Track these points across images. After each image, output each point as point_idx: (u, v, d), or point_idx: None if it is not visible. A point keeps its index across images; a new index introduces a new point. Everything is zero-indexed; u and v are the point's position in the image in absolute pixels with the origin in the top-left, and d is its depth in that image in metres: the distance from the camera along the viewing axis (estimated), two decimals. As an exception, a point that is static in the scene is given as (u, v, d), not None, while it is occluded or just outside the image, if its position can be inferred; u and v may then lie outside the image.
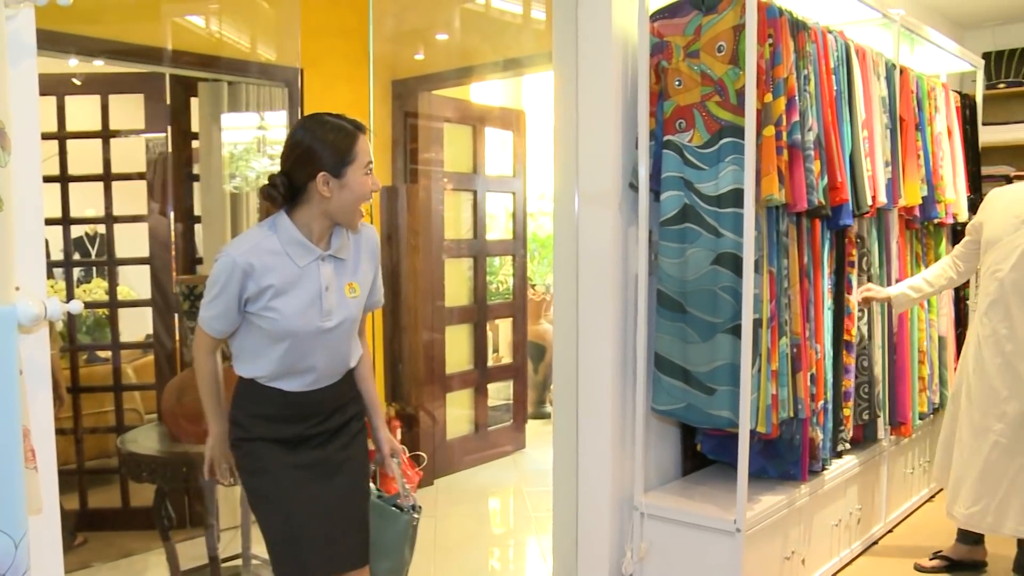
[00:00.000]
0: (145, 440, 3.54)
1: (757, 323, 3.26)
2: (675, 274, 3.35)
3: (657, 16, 3.43)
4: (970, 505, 3.55)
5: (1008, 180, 6.18)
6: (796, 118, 3.31)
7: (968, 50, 5.39)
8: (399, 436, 5.14)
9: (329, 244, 2.43)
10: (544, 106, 6.70)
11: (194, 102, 4.56)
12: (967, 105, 5.18)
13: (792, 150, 3.31)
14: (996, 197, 3.66)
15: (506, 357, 6.54)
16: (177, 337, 4.46)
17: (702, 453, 3.81)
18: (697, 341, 3.32)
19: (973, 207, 4.99)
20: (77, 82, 4.42)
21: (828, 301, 3.80)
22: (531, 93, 7.07)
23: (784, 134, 3.26)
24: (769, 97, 3.22)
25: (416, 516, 2.72)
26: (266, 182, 2.38)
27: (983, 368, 3.55)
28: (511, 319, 6.23)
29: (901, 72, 4.29)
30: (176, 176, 4.51)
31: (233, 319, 2.39)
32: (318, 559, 2.45)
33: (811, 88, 3.46)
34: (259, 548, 3.94)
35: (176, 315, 4.40)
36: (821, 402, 3.73)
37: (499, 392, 6.43)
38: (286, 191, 2.35)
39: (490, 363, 6.18)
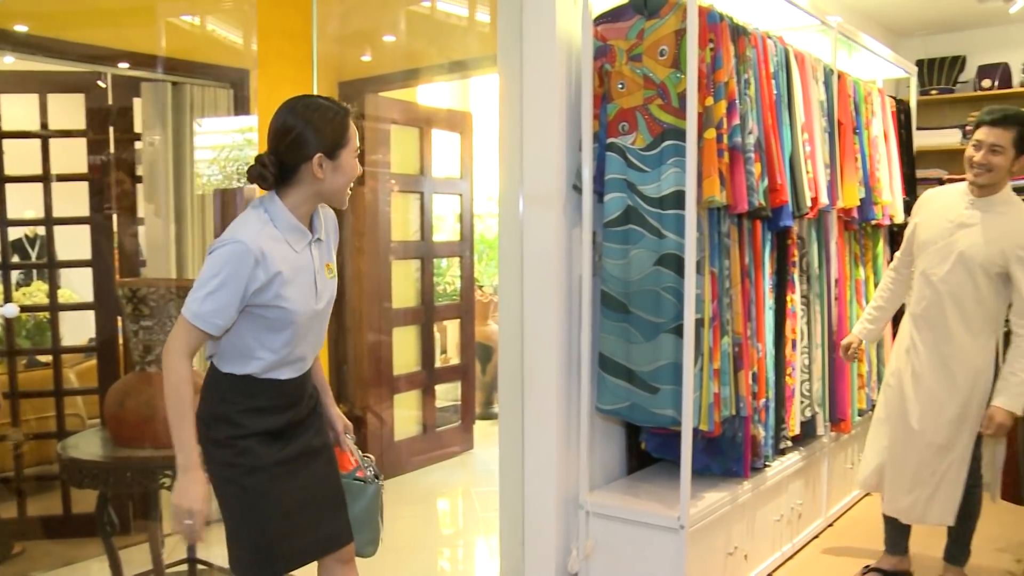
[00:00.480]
0: (87, 445, 3.47)
1: (699, 323, 3.29)
2: (619, 275, 3.37)
3: (600, 20, 3.45)
4: (903, 498, 3.60)
5: (941, 182, 6.33)
6: (737, 121, 3.35)
7: (902, 57, 5.51)
8: (347, 438, 5.10)
9: (311, 226, 2.39)
10: (491, 108, 6.69)
11: (137, 103, 4.48)
12: (902, 110, 5.29)
13: (733, 153, 3.35)
14: (929, 200, 3.64)
15: (454, 358, 6.54)
16: (120, 341, 4.39)
17: (647, 452, 3.84)
18: (641, 341, 3.34)
19: (908, 209, 5.09)
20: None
21: (769, 301, 3.85)
22: (478, 95, 7.07)
23: (725, 137, 3.30)
24: (710, 101, 3.26)
25: (381, 484, 2.71)
26: (253, 163, 2.30)
27: (918, 371, 3.53)
28: (459, 320, 6.22)
29: (839, 77, 4.36)
30: (118, 177, 4.43)
31: (234, 313, 2.23)
32: (313, 546, 2.45)
33: (751, 92, 3.51)
34: (206, 552, 3.89)
35: (120, 318, 4.33)
36: (763, 400, 3.78)
37: (447, 393, 6.42)
38: (277, 172, 2.28)
39: (438, 364, 6.16)
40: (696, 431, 3.37)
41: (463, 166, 6.02)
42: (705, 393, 3.35)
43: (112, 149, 4.37)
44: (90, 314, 4.44)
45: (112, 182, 4.37)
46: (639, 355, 3.35)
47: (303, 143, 2.24)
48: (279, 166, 2.27)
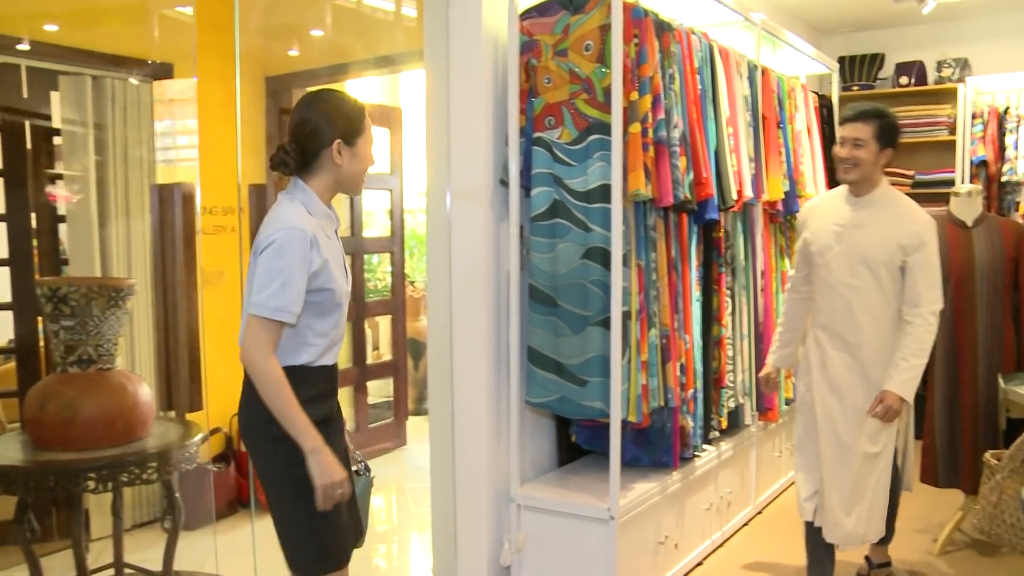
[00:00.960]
0: (6, 450, 3.35)
1: (626, 315, 3.31)
2: (546, 268, 3.37)
3: (526, 15, 3.44)
4: (845, 520, 3.36)
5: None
6: (662, 115, 3.37)
7: (824, 54, 5.62)
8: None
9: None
10: (421, 103, 6.66)
11: (55, 96, 4.35)
12: (824, 105, 5.39)
13: (658, 146, 3.37)
14: (811, 211, 3.51)
15: (386, 354, 6.49)
16: (41, 341, 4.25)
17: (577, 444, 3.85)
18: (569, 334, 3.35)
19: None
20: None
21: (696, 293, 3.89)
22: (408, 90, 7.02)
23: (650, 131, 3.32)
24: (635, 95, 3.27)
25: (372, 476, 2.69)
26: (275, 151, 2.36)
27: (837, 383, 3.35)
28: (390, 316, 6.18)
29: (763, 73, 4.43)
30: (36, 173, 4.29)
31: (304, 299, 2.27)
32: (349, 537, 2.48)
33: (676, 87, 3.53)
34: (133, 557, 3.80)
35: (39, 318, 4.19)
36: (691, 391, 3.82)
37: (380, 389, 6.37)
38: (298, 158, 2.35)
39: (370, 361, 6.11)
40: (625, 423, 3.39)
41: (393, 162, 5.97)
42: (633, 385, 3.37)
43: (29, 144, 4.24)
44: (8, 314, 4.30)
45: (29, 178, 4.23)
46: (567, 348, 3.36)
47: (323, 130, 2.33)
48: (300, 153, 2.35)
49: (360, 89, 6.42)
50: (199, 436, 3.46)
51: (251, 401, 2.33)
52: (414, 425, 6.41)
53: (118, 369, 3.39)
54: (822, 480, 3.39)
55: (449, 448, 3.57)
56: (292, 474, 2.30)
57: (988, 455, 3.65)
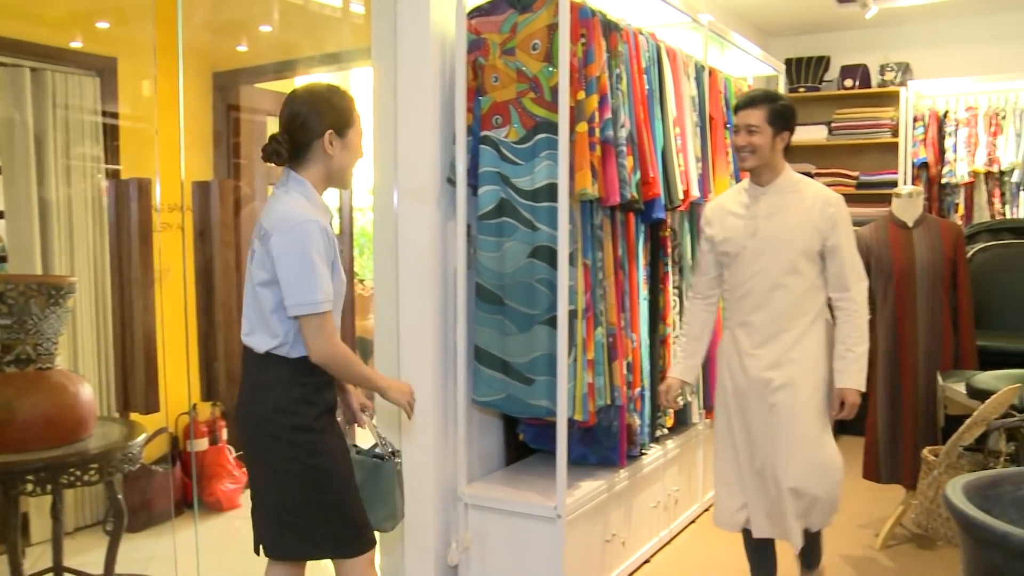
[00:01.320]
0: (-62, 452, 3.26)
1: (572, 314, 3.31)
2: (493, 267, 3.36)
3: (474, 13, 3.43)
4: (793, 520, 3.21)
5: (810, 176, 6.56)
6: (608, 115, 3.38)
7: (771, 56, 5.68)
8: (224, 436, 4.96)
9: None
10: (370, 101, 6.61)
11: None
12: (770, 106, 5.42)
13: (605, 146, 3.38)
14: (714, 210, 3.34)
15: (337, 353, 6.41)
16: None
17: (525, 443, 3.85)
18: (515, 333, 3.34)
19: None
20: None
21: (644, 292, 3.90)
22: (359, 88, 6.96)
23: (597, 130, 3.33)
24: (582, 95, 3.27)
25: (398, 461, 2.69)
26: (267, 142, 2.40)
27: (764, 378, 3.18)
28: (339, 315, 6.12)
29: (710, 73, 4.46)
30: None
31: None
32: (369, 519, 2.56)
33: (623, 86, 3.54)
34: (73, 561, 3.71)
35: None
36: (638, 389, 3.83)
37: (330, 388, 6.29)
38: (290, 149, 2.38)
39: (319, 359, 6.04)
40: (572, 421, 3.39)
41: (343, 159, 5.92)
42: (580, 383, 3.37)
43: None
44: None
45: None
46: (514, 347, 3.35)
47: (314, 121, 2.38)
48: (291, 144, 2.38)
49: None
50: (142, 437, 3.40)
51: (265, 393, 2.39)
52: (364, 425, 6.35)
53: (58, 369, 3.31)
54: (757, 485, 3.25)
55: (397, 447, 3.53)
56: (310, 462, 2.37)
57: (926, 451, 3.71)
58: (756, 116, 3.12)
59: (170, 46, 3.97)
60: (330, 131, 2.39)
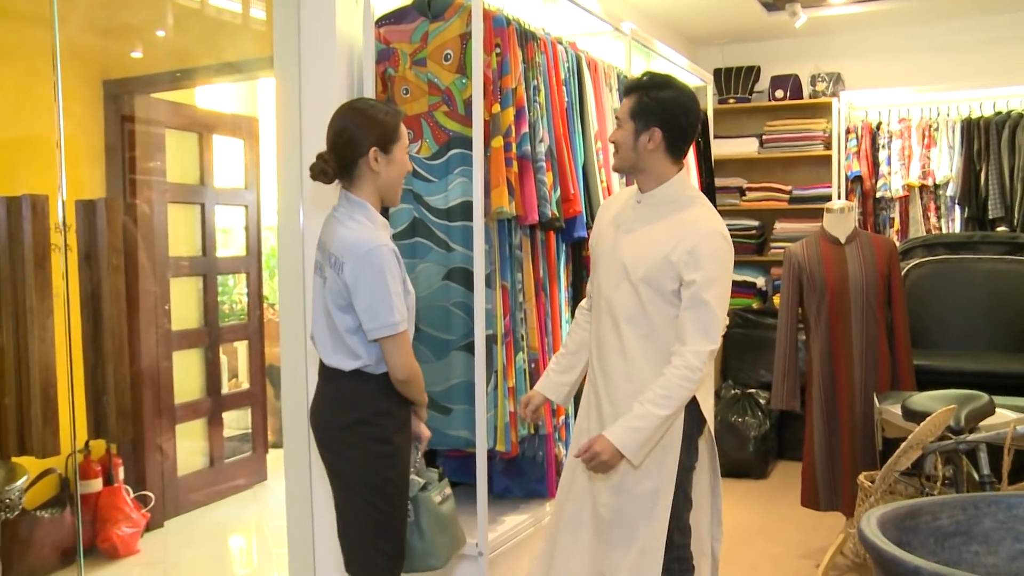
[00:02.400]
0: None
1: (491, 339, 3.31)
2: (407, 291, 3.34)
3: (383, 21, 3.43)
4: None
5: (741, 192, 6.68)
6: (526, 129, 3.40)
7: (700, 66, 5.78)
8: (121, 475, 4.85)
9: None
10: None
11: None
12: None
13: (522, 162, 3.39)
14: (604, 207, 2.99)
15: (244, 383, 6.33)
16: None
17: (444, 476, 3.82)
18: (431, 360, 3.33)
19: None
20: None
21: (567, 315, 3.92)
22: (265, 99, 6.89)
23: (514, 145, 3.34)
24: (497, 108, 3.29)
25: (445, 490, 2.87)
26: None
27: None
28: (247, 341, 6.03)
29: (633, 85, 4.49)
30: None
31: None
32: (408, 550, 2.77)
33: (541, 99, 3.57)
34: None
35: None
36: (563, 417, 3.84)
37: (237, 421, 6.20)
38: (336, 168, 2.57)
39: (225, 390, 5.95)
40: (493, 452, 3.38)
41: (248, 175, 5.85)
42: (500, 412, 3.37)
43: None
44: None
45: None
46: (430, 374, 3.33)
47: (360, 138, 2.55)
48: (338, 163, 2.57)
49: (212, 97, 6.27)
50: (23, 480, 3.30)
51: (347, 404, 2.61)
52: (275, 458, 6.26)
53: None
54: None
55: (306, 484, 3.50)
56: (383, 475, 2.61)
57: (862, 477, 3.79)
58: (623, 107, 2.72)
59: (53, 48, 3.89)
60: (374, 148, 2.55)
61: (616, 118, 2.78)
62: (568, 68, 3.82)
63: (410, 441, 2.73)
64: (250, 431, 6.05)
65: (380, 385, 2.61)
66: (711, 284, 2.58)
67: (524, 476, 3.75)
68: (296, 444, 3.51)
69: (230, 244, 6.20)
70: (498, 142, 3.27)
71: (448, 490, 2.86)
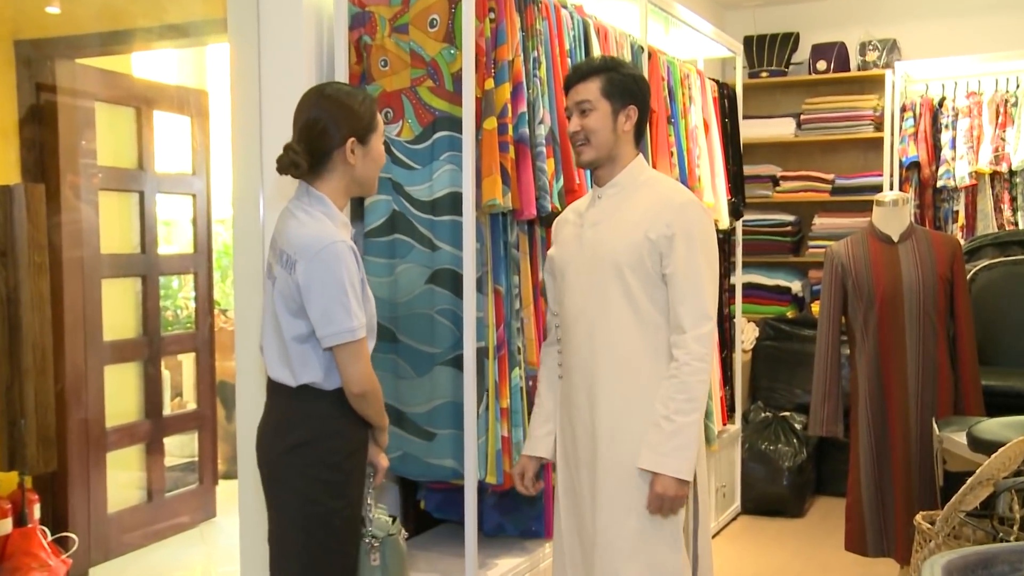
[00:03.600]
0: None
1: (482, 352, 3.38)
2: (384, 295, 3.41)
3: (358, -19, 3.49)
4: None
5: (775, 182, 6.73)
6: (524, 108, 3.46)
7: (727, 33, 5.82)
8: (37, 514, 4.87)
9: None
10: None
11: None
12: (726, 96, 5.58)
13: (519, 146, 3.45)
14: (559, 223, 3.13)
15: (190, 402, 6.38)
16: None
17: (427, 512, 3.89)
18: (412, 376, 3.40)
19: (736, 211, 5.40)
20: None
21: (571, 324, 3.98)
22: (217, 69, 6.94)
23: (510, 127, 3.40)
24: (491, 83, 3.35)
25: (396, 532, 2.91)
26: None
27: (589, 456, 2.92)
28: (194, 354, 6.08)
29: (650, 56, 4.57)
30: None
31: None
32: None
33: (542, 73, 3.63)
34: None
35: None
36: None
37: (181, 447, 6.25)
38: (309, 160, 2.62)
39: (168, 411, 6.00)
40: (484, 485, 3.45)
41: (197, 159, 5.90)
42: (492, 438, 3.43)
43: None
44: None
45: None
46: (410, 393, 3.40)
47: (334, 128, 2.63)
48: (309, 155, 2.63)
49: (152, 65, 6.32)
50: None
51: (292, 424, 2.67)
52: (226, 491, 6.31)
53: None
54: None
55: (263, 521, 3.55)
56: (328, 505, 2.64)
57: (919, 518, 3.78)
58: (589, 90, 2.87)
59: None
60: (352, 139, 2.63)
61: (576, 106, 2.90)
62: (574, 37, 3.89)
63: (364, 470, 2.77)
64: (196, 459, 6.09)
65: (332, 403, 2.66)
66: (697, 255, 2.82)
67: (519, 512, 3.81)
68: (252, 474, 3.56)
69: (175, 240, 6.26)
70: (491, 123, 3.33)
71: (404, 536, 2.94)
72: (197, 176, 5.93)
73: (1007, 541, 3.01)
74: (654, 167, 4.50)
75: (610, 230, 2.88)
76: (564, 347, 3.00)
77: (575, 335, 2.93)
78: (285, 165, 2.63)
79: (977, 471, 3.20)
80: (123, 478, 5.61)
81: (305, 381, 2.64)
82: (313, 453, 2.64)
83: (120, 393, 5.54)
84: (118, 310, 5.53)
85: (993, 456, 3.13)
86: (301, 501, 2.65)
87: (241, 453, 3.61)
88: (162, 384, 5.87)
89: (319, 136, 2.63)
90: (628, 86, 2.89)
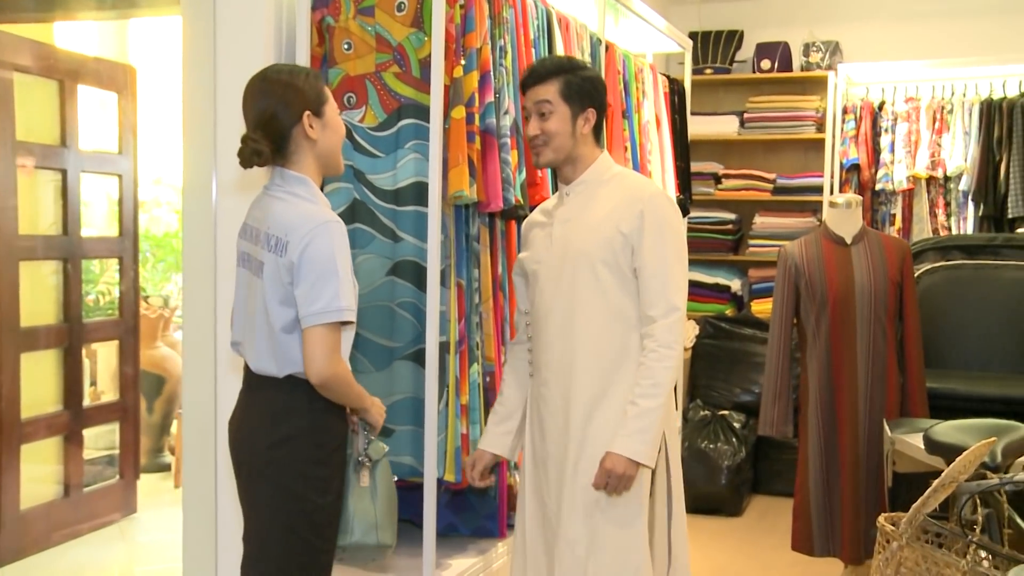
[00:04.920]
0: None
1: (444, 348, 3.38)
2: (344, 287, 3.40)
3: (321, -41, 3.47)
4: None
5: (716, 179, 6.83)
6: (491, 98, 3.48)
7: (675, 27, 5.87)
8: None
9: None
10: (163, 62, 6.50)
11: None
12: (676, 91, 5.63)
13: (486, 137, 3.47)
14: (528, 224, 3.22)
15: (109, 393, 6.28)
16: None
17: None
18: (370, 370, 3.40)
19: (684, 209, 5.46)
20: None
21: (525, 319, 4.00)
22: (142, 42, 6.83)
23: (476, 117, 3.42)
24: (460, 71, 3.36)
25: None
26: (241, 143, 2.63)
27: (562, 454, 2.99)
28: (117, 342, 5.99)
29: (607, 49, 4.60)
30: None
31: None
32: None
33: (507, 63, 3.64)
34: None
35: None
36: (515, 443, 3.92)
37: (100, 439, 6.15)
38: (271, 145, 2.62)
39: (87, 402, 5.90)
40: (440, 482, 3.45)
41: (123, 137, 5.80)
42: (451, 435, 3.45)
43: None
44: None
45: None
46: (368, 388, 3.33)
47: (283, 109, 2.63)
48: (269, 141, 2.63)
49: (75, 35, 6.19)
50: None
51: (277, 417, 2.66)
52: (148, 485, 6.23)
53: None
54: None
55: (211, 518, 3.52)
56: (314, 502, 2.65)
57: (883, 519, 3.86)
58: (548, 91, 2.95)
59: None
60: (307, 112, 2.64)
61: (535, 107, 2.96)
62: (538, 26, 3.90)
63: (346, 462, 2.78)
64: (117, 452, 6.00)
65: (314, 396, 2.65)
66: (667, 245, 2.94)
67: (472, 511, 3.83)
68: (200, 470, 3.53)
69: (94, 222, 6.15)
70: (460, 112, 3.34)
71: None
72: (124, 156, 5.83)
73: (974, 543, 3.09)
74: (610, 161, 4.54)
75: (581, 226, 2.98)
76: (535, 344, 3.06)
77: (547, 332, 3.00)
78: (248, 156, 2.63)
79: (942, 475, 3.29)
80: (39, 471, 5.50)
81: (291, 371, 2.64)
82: (300, 448, 2.65)
83: (37, 382, 5.43)
84: (37, 294, 5.43)
85: (957, 460, 3.22)
86: (286, 497, 2.65)
87: (188, 448, 3.57)
88: (83, 373, 5.77)
89: (272, 120, 2.63)
90: (586, 89, 2.98)
